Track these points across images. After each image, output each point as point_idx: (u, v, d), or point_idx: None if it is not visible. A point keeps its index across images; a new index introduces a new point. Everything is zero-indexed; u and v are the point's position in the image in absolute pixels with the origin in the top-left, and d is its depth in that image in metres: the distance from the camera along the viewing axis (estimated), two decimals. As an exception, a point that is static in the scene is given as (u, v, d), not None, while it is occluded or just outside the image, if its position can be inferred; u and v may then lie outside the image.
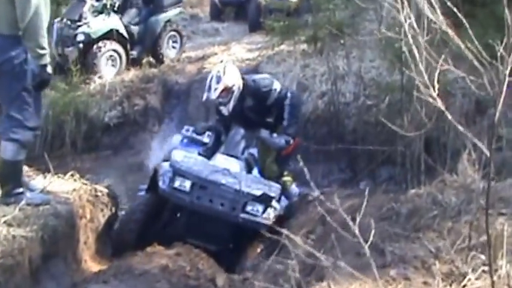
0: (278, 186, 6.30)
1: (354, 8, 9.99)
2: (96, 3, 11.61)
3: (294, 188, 6.75)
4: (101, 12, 11.55)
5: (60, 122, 9.80)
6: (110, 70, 11.41)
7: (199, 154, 6.62)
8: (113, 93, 10.66)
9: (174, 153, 6.41)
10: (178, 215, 6.44)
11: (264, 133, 6.59)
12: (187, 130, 7.20)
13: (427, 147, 6.99)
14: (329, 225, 3.71)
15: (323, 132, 9.22)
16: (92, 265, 6.00)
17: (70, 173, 6.61)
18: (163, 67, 11.78)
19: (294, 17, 11.62)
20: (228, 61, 6.95)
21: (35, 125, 5.04)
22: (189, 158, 6.34)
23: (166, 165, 6.31)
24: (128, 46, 11.79)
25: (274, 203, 6.21)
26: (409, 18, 2.92)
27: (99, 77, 11.19)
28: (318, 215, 5.37)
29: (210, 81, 6.48)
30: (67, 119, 9.69)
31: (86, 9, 11.37)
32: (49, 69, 5.05)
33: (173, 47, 12.47)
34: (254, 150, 6.97)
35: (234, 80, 6.46)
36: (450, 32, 2.96)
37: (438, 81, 2.94)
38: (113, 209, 6.75)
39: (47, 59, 4.99)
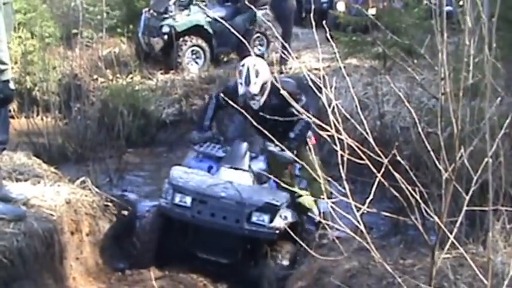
0: (285, 194, 5.53)
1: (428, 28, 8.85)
2: (182, -2, 11.04)
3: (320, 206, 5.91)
4: (186, 8, 10.95)
5: (118, 114, 8.97)
6: (193, 64, 10.91)
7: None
8: (173, 90, 9.82)
9: (172, 170, 5.74)
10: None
11: (271, 147, 5.68)
12: (201, 146, 6.27)
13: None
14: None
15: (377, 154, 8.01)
16: (82, 283, 5.16)
17: (81, 179, 5.80)
18: (229, 68, 10.81)
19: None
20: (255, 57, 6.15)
21: (1, 140, 4.29)
22: (188, 174, 5.69)
23: (166, 182, 5.64)
24: (213, 42, 11.11)
25: (283, 210, 5.48)
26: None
27: (182, 71, 10.67)
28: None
29: (248, 74, 5.65)
30: (124, 112, 8.83)
31: (171, 3, 10.88)
32: (11, 85, 4.27)
33: (259, 48, 11.72)
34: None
35: (268, 75, 5.77)
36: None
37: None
38: (123, 220, 5.90)
39: (8, 75, 4.21)
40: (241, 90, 5.67)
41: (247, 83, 5.67)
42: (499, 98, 4.62)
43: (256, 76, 5.67)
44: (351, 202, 3.43)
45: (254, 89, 5.68)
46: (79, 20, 10.56)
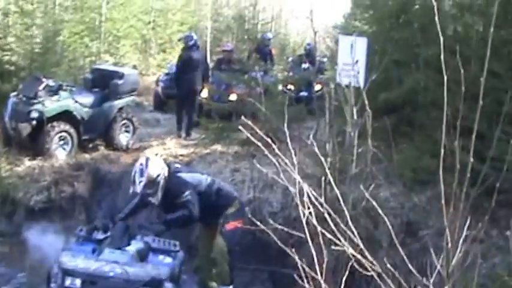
0: (166, 268, 5.84)
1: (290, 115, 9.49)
2: (52, 84, 11.00)
3: None
4: (55, 93, 10.88)
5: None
6: (60, 150, 10.71)
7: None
8: (41, 177, 9.68)
9: (61, 255, 5.89)
10: None
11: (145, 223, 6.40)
12: (81, 230, 6.46)
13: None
14: None
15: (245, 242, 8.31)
16: None
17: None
18: (96, 155, 10.89)
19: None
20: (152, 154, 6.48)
21: None
22: (75, 257, 5.83)
23: (55, 267, 5.76)
24: (81, 128, 11.05)
25: (167, 284, 5.74)
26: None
27: (50, 157, 10.46)
28: None
29: (134, 175, 6.20)
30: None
31: (41, 88, 10.74)
32: None
33: (126, 134, 11.76)
34: (149, 239, 6.31)
35: (158, 171, 6.20)
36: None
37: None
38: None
39: None
40: (130, 190, 6.25)
41: (133, 183, 6.21)
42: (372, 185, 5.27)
43: (141, 175, 6.15)
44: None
45: (138, 188, 6.19)
46: None
